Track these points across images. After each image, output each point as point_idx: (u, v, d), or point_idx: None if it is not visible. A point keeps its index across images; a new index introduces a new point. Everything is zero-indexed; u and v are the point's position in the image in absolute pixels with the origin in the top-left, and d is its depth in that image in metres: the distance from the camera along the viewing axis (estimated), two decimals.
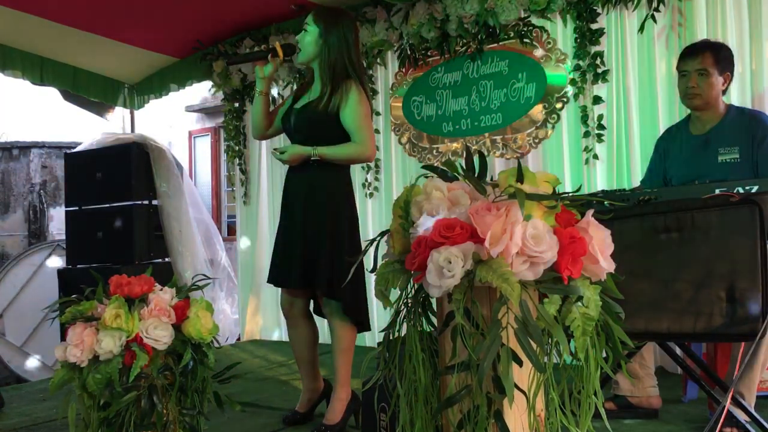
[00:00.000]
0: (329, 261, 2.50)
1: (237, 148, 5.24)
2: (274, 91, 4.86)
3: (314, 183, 2.56)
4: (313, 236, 2.54)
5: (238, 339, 5.31)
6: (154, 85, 5.59)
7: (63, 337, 2.06)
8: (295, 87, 4.13)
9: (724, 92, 2.66)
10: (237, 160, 5.25)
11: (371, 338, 4.57)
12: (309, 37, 2.54)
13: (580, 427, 1.32)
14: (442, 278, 1.27)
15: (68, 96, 5.83)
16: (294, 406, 2.82)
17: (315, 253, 2.53)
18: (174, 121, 9.33)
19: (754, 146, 2.53)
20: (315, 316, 2.77)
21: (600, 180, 3.69)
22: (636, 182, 3.53)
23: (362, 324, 2.63)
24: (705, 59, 2.60)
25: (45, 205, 7.48)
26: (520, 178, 1.35)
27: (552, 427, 1.34)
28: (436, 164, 3.06)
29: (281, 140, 4.82)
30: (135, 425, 1.88)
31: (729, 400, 2.02)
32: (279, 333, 5.04)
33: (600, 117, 3.67)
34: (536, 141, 3.95)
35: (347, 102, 2.48)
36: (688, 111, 2.79)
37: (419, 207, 1.40)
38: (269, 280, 2.71)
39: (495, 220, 1.28)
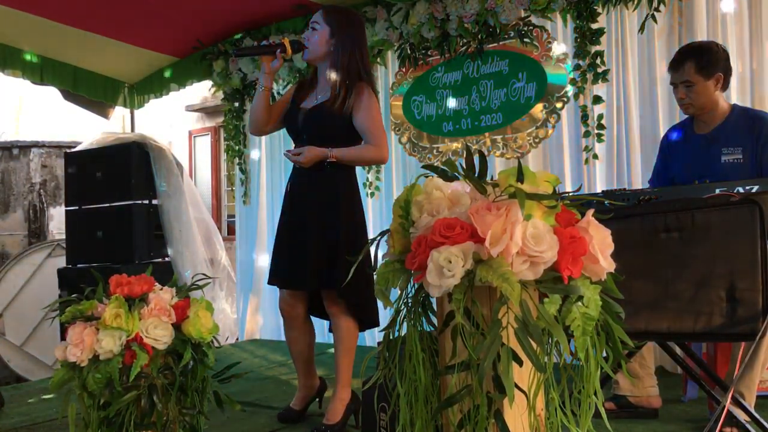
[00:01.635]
0: (346, 261, 2.45)
1: (237, 147, 5.24)
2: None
3: (327, 184, 2.54)
4: (327, 237, 2.52)
5: (237, 339, 5.31)
6: (154, 84, 5.59)
7: (63, 337, 2.06)
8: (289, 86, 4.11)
9: (724, 88, 2.65)
10: (237, 160, 5.25)
11: (371, 338, 4.58)
12: (318, 36, 2.52)
13: (581, 427, 1.32)
14: (442, 278, 1.27)
15: (68, 95, 5.82)
16: None
17: (332, 254, 2.50)
18: (174, 121, 9.32)
19: (758, 147, 2.52)
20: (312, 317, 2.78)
21: (600, 180, 3.70)
22: (636, 182, 3.53)
23: (373, 322, 2.65)
24: (687, 70, 2.58)
25: (45, 205, 7.47)
26: (521, 177, 1.35)
27: (552, 426, 1.34)
28: (436, 164, 3.06)
29: (282, 138, 4.83)
30: (135, 425, 1.88)
31: (729, 399, 2.02)
32: (279, 333, 5.04)
33: (600, 117, 3.67)
34: (536, 140, 3.95)
35: (361, 104, 2.47)
36: None
37: (419, 207, 1.40)
38: (276, 283, 2.67)
39: (495, 219, 1.28)
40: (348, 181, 2.60)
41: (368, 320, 2.64)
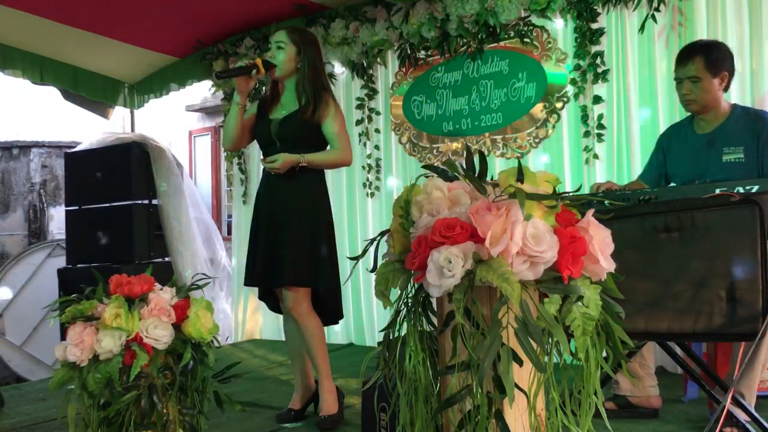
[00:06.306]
0: (328, 256, 2.73)
1: None
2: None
3: (302, 188, 2.73)
4: (300, 237, 2.70)
5: (227, 338, 5.31)
6: (154, 84, 5.59)
7: (63, 337, 2.06)
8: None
9: (726, 89, 2.64)
10: (236, 160, 5.25)
11: (371, 338, 4.58)
12: (286, 56, 2.73)
13: (581, 427, 1.32)
14: (442, 278, 1.27)
15: (68, 95, 5.83)
16: None
17: (315, 251, 2.71)
18: (174, 121, 9.33)
19: (759, 146, 2.52)
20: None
21: (600, 179, 3.69)
22: None
23: (335, 318, 2.89)
24: (695, 65, 2.57)
25: (45, 205, 7.48)
26: (521, 177, 1.35)
27: (552, 426, 1.34)
28: (436, 164, 3.07)
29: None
30: (135, 425, 1.88)
31: (729, 399, 2.02)
32: (279, 333, 5.04)
33: (600, 117, 3.68)
34: (536, 140, 3.95)
35: (329, 113, 2.73)
36: None
37: (419, 207, 1.40)
38: (270, 285, 2.80)
39: (495, 219, 1.28)
40: (321, 184, 2.82)
41: (332, 315, 2.86)
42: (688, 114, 2.79)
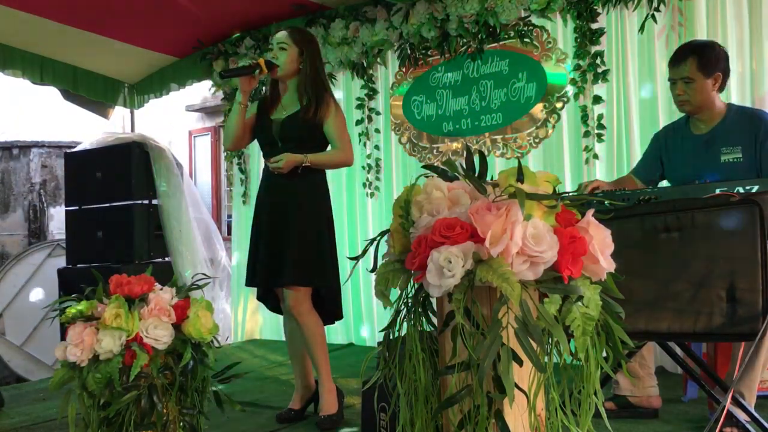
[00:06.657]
0: (329, 255, 2.75)
1: None
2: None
3: (303, 188, 2.74)
4: (312, 236, 2.72)
5: (227, 339, 5.30)
6: (154, 84, 5.59)
7: (63, 337, 2.06)
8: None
9: (721, 90, 2.64)
10: (236, 160, 5.25)
11: (371, 338, 4.58)
12: (288, 56, 2.75)
13: (581, 427, 1.32)
14: (442, 278, 1.27)
15: (68, 95, 5.83)
16: None
17: (316, 251, 2.72)
18: (174, 121, 9.32)
19: (757, 145, 2.51)
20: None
21: (600, 179, 3.69)
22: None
23: (336, 316, 2.89)
24: (688, 66, 2.56)
25: (45, 205, 7.48)
26: (521, 177, 1.35)
27: (552, 426, 1.34)
28: (436, 164, 3.07)
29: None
30: (135, 425, 1.88)
31: (729, 399, 2.02)
32: (279, 333, 5.04)
33: (600, 117, 3.68)
34: (536, 141, 3.95)
35: (330, 114, 2.75)
36: None
37: (419, 207, 1.40)
38: (271, 285, 2.80)
39: (495, 219, 1.28)
40: (323, 183, 2.83)
41: (332, 315, 2.86)
42: (685, 114, 2.78)
